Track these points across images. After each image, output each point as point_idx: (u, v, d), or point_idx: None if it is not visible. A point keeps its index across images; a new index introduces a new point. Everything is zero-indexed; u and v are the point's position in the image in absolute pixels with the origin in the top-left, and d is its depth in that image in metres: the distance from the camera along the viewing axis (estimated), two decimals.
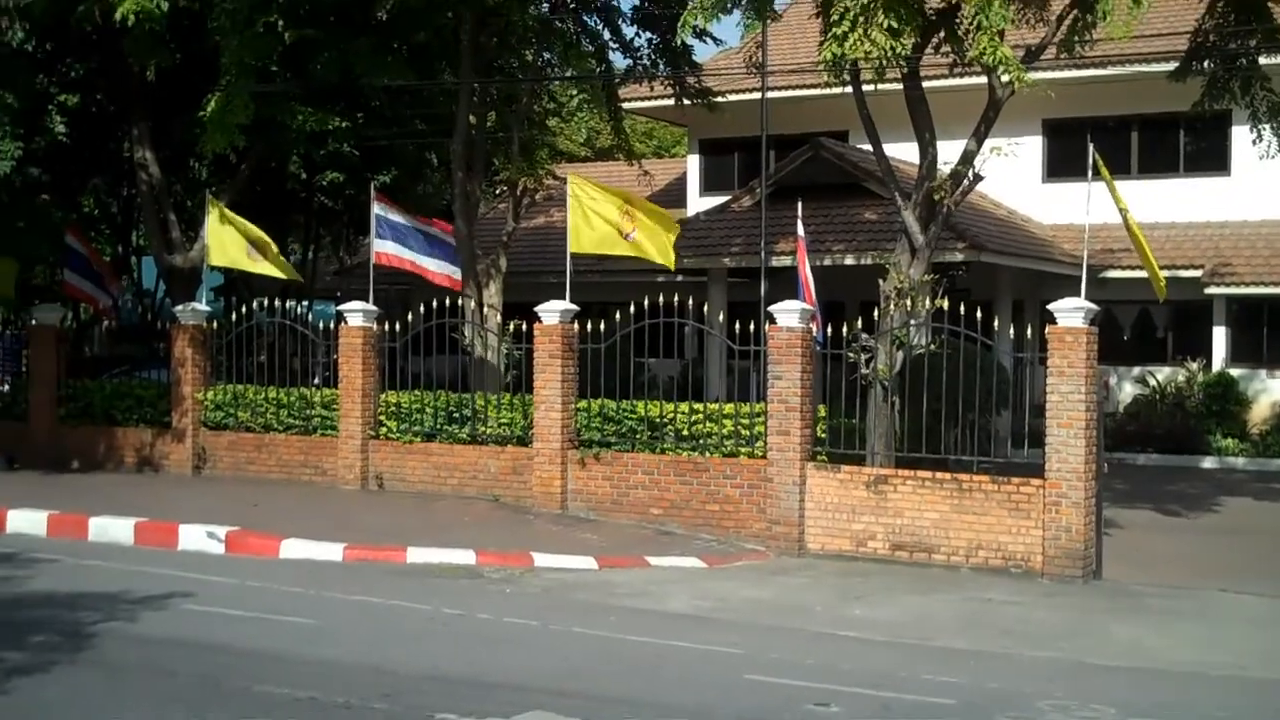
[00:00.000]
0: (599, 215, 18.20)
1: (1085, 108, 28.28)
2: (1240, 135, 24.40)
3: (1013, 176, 28.37)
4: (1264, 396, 26.75)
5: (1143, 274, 27.10)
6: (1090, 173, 16.14)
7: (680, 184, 33.82)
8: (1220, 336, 27.35)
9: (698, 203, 31.52)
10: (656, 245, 18.52)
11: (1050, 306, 15.11)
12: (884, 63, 15.85)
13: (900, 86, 17.63)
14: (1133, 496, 20.84)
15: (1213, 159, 28.29)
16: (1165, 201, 28.16)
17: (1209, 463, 25.54)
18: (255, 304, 20.77)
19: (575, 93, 24.29)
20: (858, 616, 12.79)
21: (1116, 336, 28.77)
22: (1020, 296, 27.73)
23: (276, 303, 20.41)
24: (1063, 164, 28.49)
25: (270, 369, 20.57)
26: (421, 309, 18.99)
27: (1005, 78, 16.34)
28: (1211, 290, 26.66)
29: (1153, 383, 27.58)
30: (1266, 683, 10.45)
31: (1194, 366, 27.09)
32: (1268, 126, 19.74)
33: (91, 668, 9.87)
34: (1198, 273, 26.73)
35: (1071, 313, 14.85)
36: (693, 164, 33.05)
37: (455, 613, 12.34)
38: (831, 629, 12.19)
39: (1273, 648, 11.73)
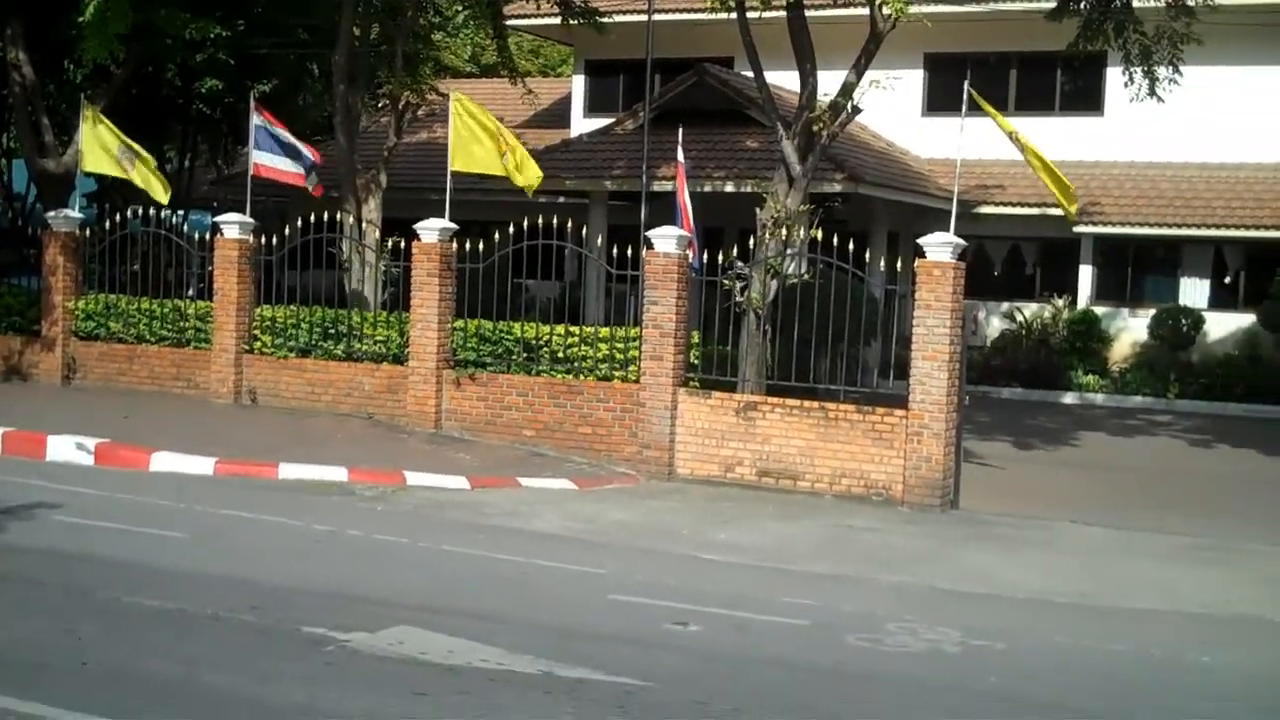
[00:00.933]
0: (479, 135, 18.17)
1: (967, 43, 28.72)
2: (1114, 77, 24.88)
3: (894, 109, 28.70)
4: (1125, 334, 27.55)
5: (1016, 210, 28.03)
6: (964, 108, 16.45)
7: (565, 104, 33.72)
8: (1086, 275, 28.10)
9: (582, 124, 31.49)
10: (525, 171, 18.54)
11: (919, 241, 15.46)
12: None
13: (785, 14, 17.78)
14: (994, 429, 21.48)
15: (1087, 99, 28.91)
16: (1040, 139, 27.95)
17: (1070, 398, 26.29)
18: (130, 212, 20.49)
19: (461, 7, 24.08)
20: (722, 540, 13.11)
21: (987, 272, 29.40)
22: (897, 229, 28.17)
23: (151, 212, 20.13)
24: (943, 98, 28.87)
25: (144, 279, 20.34)
26: (299, 223, 18.85)
27: (886, 10, 16.55)
28: (1080, 229, 27.29)
29: (1020, 318, 28.26)
30: (1106, 609, 10.92)
31: (1060, 303, 27.80)
32: (1139, 69, 20.18)
33: None
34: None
35: (940, 247, 15.21)
36: (578, 84, 32.98)
37: (326, 529, 12.46)
38: (696, 552, 12.49)
39: (1113, 576, 12.24)
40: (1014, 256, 29.56)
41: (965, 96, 16.45)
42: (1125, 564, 12.82)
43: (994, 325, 28.94)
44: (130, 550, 11.10)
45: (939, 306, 15.08)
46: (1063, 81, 29.23)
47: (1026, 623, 10.43)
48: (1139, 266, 28.13)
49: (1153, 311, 27.06)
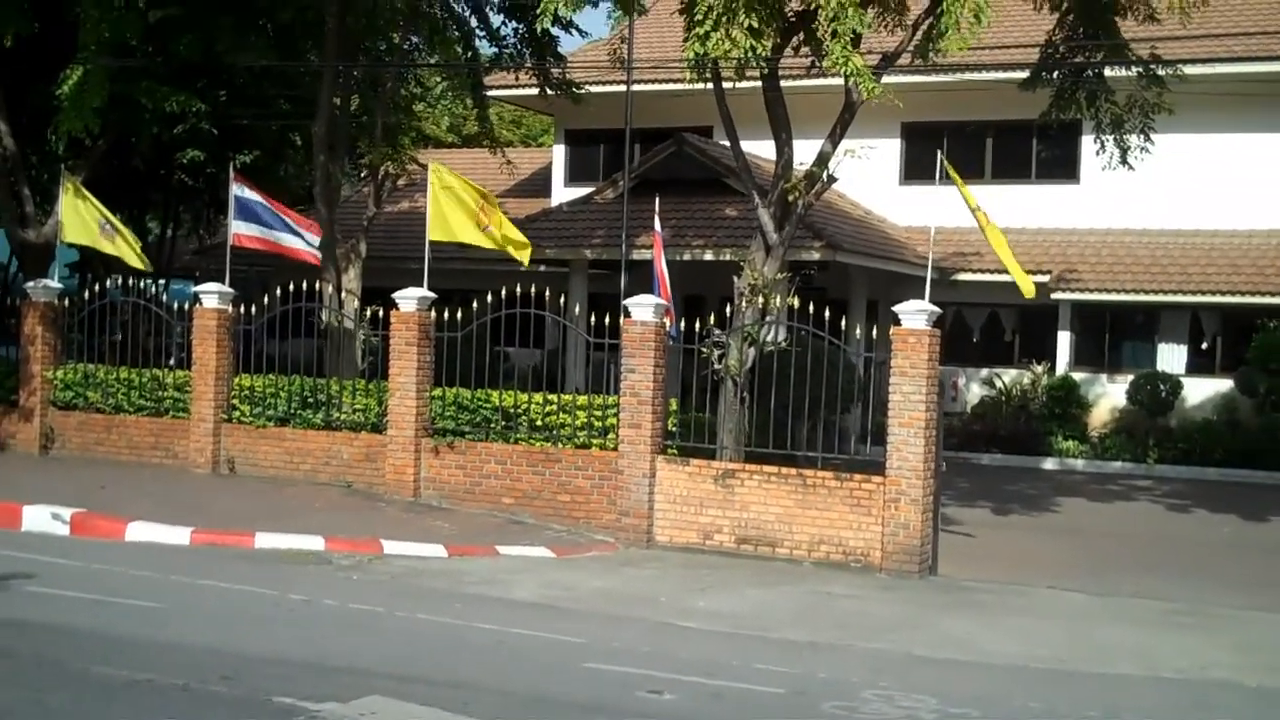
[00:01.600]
0: (458, 204, 18.27)
1: (943, 113, 28.99)
2: (1090, 145, 25.16)
3: (871, 178, 28.99)
4: (1104, 400, 27.65)
5: (994, 277, 28.11)
6: (939, 177, 16.61)
7: (546, 173, 33.96)
8: (1065, 341, 28.23)
9: (563, 193, 31.69)
10: (512, 242, 18.66)
11: (894, 309, 15.56)
12: (744, 62, 16.12)
13: (760, 85, 17.95)
14: (974, 495, 21.51)
15: (1063, 167, 29.19)
16: (1017, 207, 28.94)
17: (1050, 464, 26.35)
18: (110, 281, 20.48)
19: (440, 79, 24.31)
20: (700, 608, 13.08)
21: (966, 338, 29.59)
22: (875, 296, 28.30)
23: (132, 281, 20.16)
24: (920, 167, 29.11)
25: (125, 349, 20.35)
26: (278, 292, 18.90)
27: (859, 88, 16.71)
28: (1058, 295, 27.46)
29: (999, 384, 28.36)
30: (1082, 675, 10.91)
31: (1039, 369, 27.91)
32: (1110, 138, 20.41)
33: None
34: (1045, 278, 27.43)
35: (915, 314, 15.30)
36: (558, 154, 33.21)
37: (300, 598, 12.40)
38: (674, 619, 12.46)
39: (1091, 642, 12.23)
40: (993, 323, 29.70)
41: (939, 166, 16.59)
42: (1103, 629, 12.82)
43: (974, 391, 29.05)
44: (103, 620, 11.03)
45: (914, 373, 15.15)
46: (1039, 150, 29.49)
47: (1003, 690, 10.41)
48: (1117, 332, 28.27)
49: (1131, 377, 27.16)
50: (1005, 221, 28.24)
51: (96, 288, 20.39)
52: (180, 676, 9.24)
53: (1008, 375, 28.51)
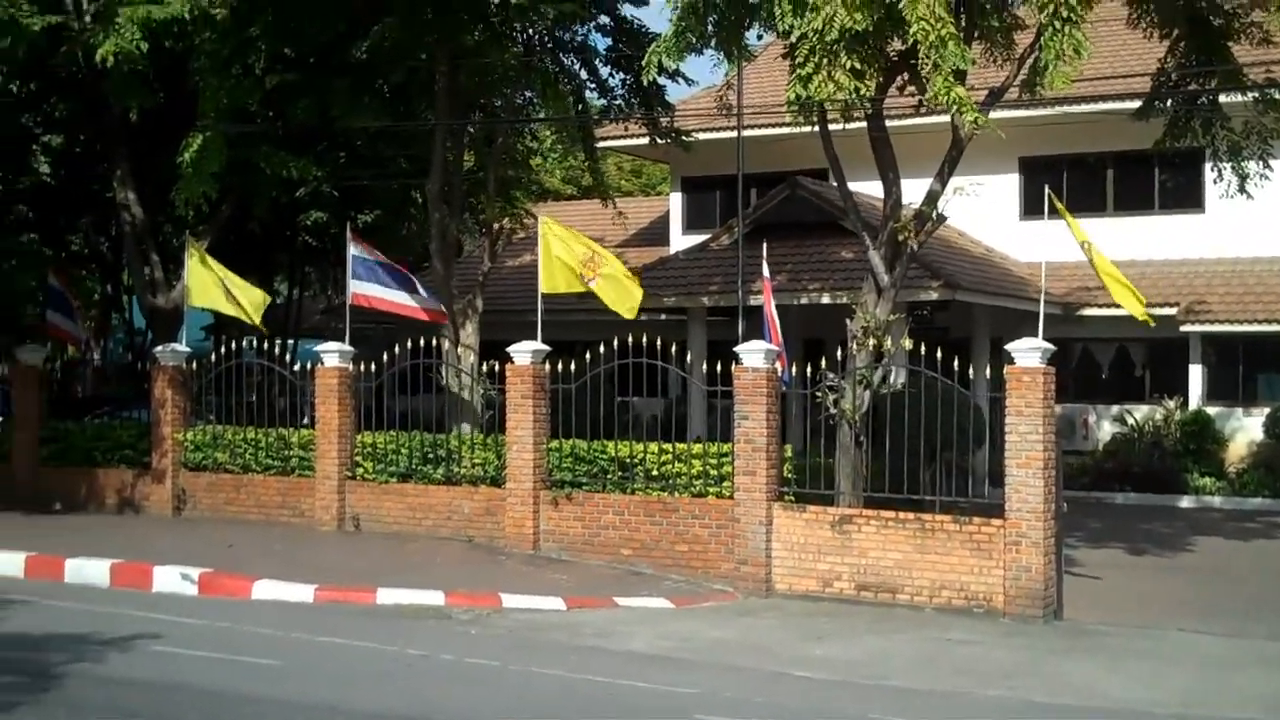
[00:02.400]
0: (566, 258, 18.44)
1: (1061, 145, 28.63)
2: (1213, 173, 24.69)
3: (991, 215, 28.77)
4: (1240, 435, 26.92)
5: (1121, 311, 27.55)
6: (1046, 212, 16.39)
7: (664, 221, 34.10)
8: (1196, 374, 27.56)
9: (680, 240, 31.79)
10: (619, 293, 18.78)
11: (1007, 347, 15.35)
12: (849, 103, 16.09)
13: (866, 126, 17.89)
14: (1105, 536, 21.06)
15: (1187, 196, 28.57)
16: (1141, 239, 28.46)
17: (1186, 502, 25.72)
18: (245, 343, 20.92)
19: (550, 133, 24.61)
20: (816, 656, 12.97)
21: (1095, 374, 29.07)
22: (999, 334, 27.82)
23: (255, 343, 20.60)
24: (1039, 201, 28.53)
25: (252, 409, 20.77)
26: (395, 349, 19.19)
27: (965, 121, 16.57)
28: (1187, 328, 26.86)
29: (1131, 421, 27.77)
30: None
31: (1171, 404, 27.27)
32: (1228, 165, 19.99)
33: (53, 707, 10.07)
34: (1173, 310, 26.91)
35: (1028, 353, 15.07)
36: (675, 202, 33.34)
37: (418, 653, 12.52)
38: (788, 669, 12.36)
39: (1218, 688, 11.91)
40: (1122, 358, 29.13)
41: (1046, 201, 16.38)
42: (1232, 674, 12.48)
43: (1105, 429, 28.47)
44: (222, 679, 11.24)
45: (1030, 412, 14.91)
46: (1161, 179, 28.93)
47: None
48: (1251, 364, 27.53)
49: (1268, 410, 26.40)
50: (1129, 253, 28.01)
51: (223, 350, 20.84)
52: None
53: (1139, 411, 27.90)
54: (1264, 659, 13.08)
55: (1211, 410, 27.07)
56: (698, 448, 17.31)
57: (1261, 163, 19.90)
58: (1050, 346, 15.19)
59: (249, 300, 20.74)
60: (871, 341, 17.30)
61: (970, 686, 11.71)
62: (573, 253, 18.40)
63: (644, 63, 17.24)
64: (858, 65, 15.56)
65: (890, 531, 15.57)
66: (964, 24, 17.19)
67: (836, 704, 10.89)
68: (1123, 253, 27.90)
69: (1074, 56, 14.64)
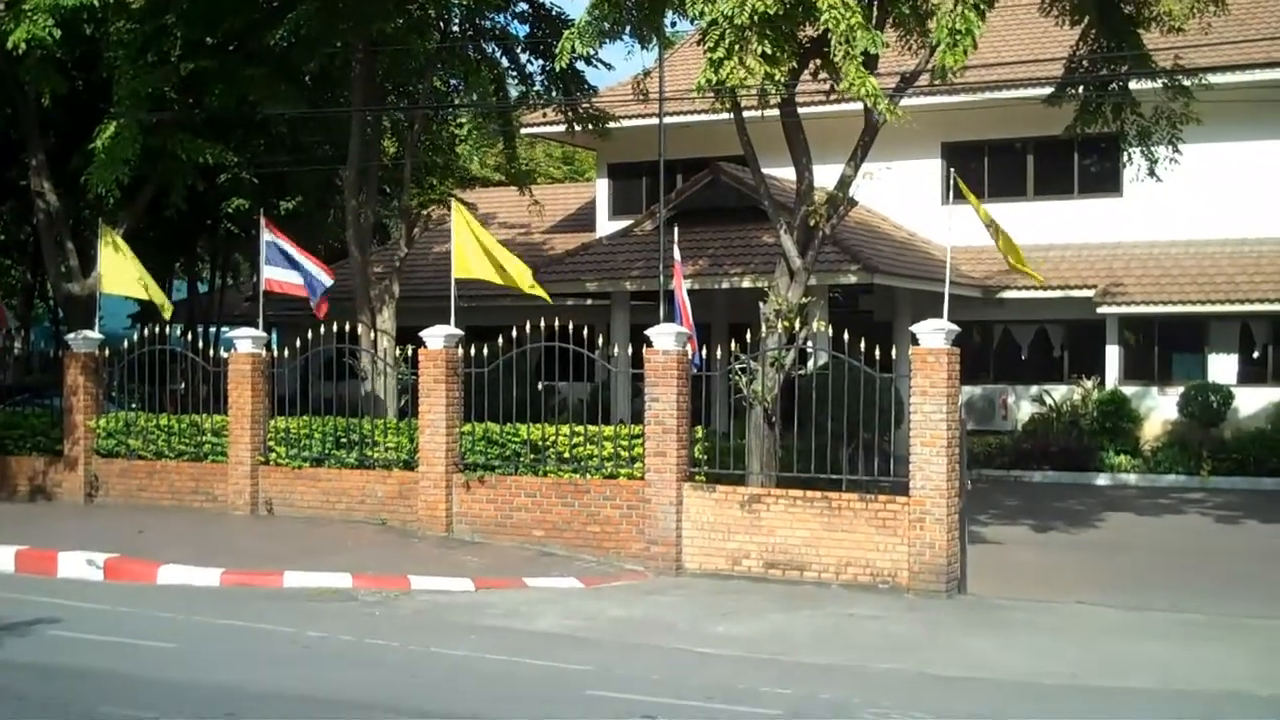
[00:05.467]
0: (480, 244, 18.46)
1: (982, 131, 28.92)
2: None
3: (914, 198, 28.99)
4: (1155, 414, 27.30)
5: (1041, 294, 27.87)
6: (950, 196, 16.56)
7: (591, 208, 34.12)
8: (1113, 355, 27.90)
9: (607, 226, 31.82)
10: (522, 282, 18.90)
11: (912, 329, 15.50)
12: (761, 89, 16.12)
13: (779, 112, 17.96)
14: (1019, 513, 21.33)
15: (1105, 181, 28.90)
16: (1060, 223, 28.81)
17: (1102, 479, 26.06)
18: (155, 330, 20.72)
19: (465, 120, 24.58)
20: (719, 633, 13.05)
21: (1014, 356, 29.38)
22: (922, 317, 28.03)
23: (154, 329, 20.41)
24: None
25: (171, 395, 20.64)
26: (309, 335, 19.13)
27: (877, 110, 16.66)
28: (1104, 310, 27.19)
29: (1049, 401, 28.10)
30: (1092, 689, 10.79)
31: (1089, 384, 27.61)
32: (1138, 149, 20.24)
33: None
34: (1091, 292, 27.28)
35: (933, 333, 15.23)
36: (601, 188, 33.37)
37: (318, 635, 12.51)
38: (689, 645, 12.44)
39: (1110, 657, 12.09)
40: (1041, 340, 29.44)
41: (951, 184, 16.54)
42: (1126, 644, 12.66)
43: (1024, 409, 28.80)
44: (118, 662, 11.20)
45: (934, 392, 15.06)
46: (1081, 164, 29.24)
47: (1007, 706, 10.32)
48: (1166, 344, 27.91)
49: (1182, 389, 26.79)
50: (1049, 237, 28.38)
51: (137, 337, 20.67)
52: (185, 715, 9.39)
53: (1058, 392, 28.24)
54: (1160, 631, 13.28)
55: (1128, 390, 27.44)
56: (609, 430, 17.35)
57: (1171, 147, 20.14)
58: (954, 327, 15.34)
59: (155, 289, 20.60)
60: (782, 324, 17.39)
61: (865, 660, 11.83)
62: (486, 239, 18.42)
63: (558, 48, 17.21)
64: (769, 50, 15.56)
65: (798, 510, 15.69)
66: (876, 11, 17.30)
67: (730, 679, 10.96)
68: (1042, 236, 28.33)
69: (966, 36, 14.74)
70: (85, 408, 20.62)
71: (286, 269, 19.88)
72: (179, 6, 21.03)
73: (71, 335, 21.24)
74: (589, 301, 28.37)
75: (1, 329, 25.55)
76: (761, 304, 17.81)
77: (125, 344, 20.94)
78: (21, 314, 34.63)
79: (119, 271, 20.99)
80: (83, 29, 21.45)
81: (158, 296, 20.64)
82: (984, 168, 29.80)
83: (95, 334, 21.07)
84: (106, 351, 21.02)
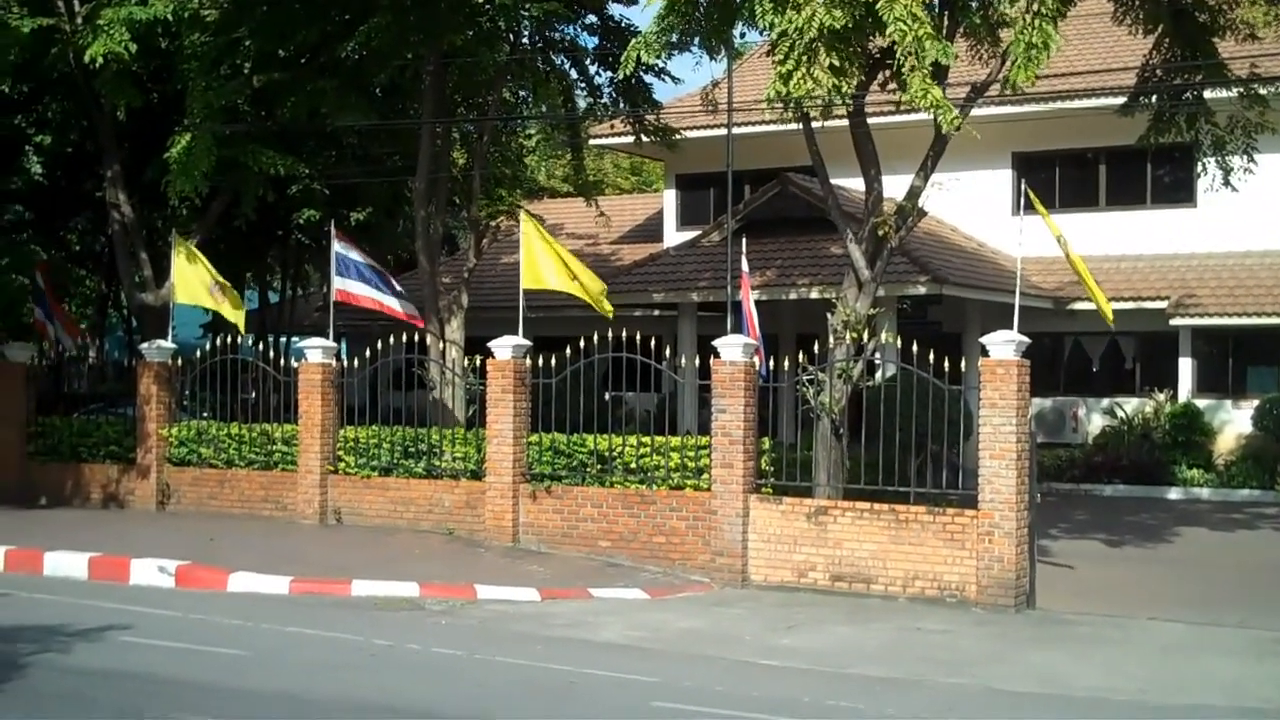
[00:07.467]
0: (549, 253, 18.53)
1: (1053, 141, 28.66)
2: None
3: (984, 209, 28.79)
4: (1229, 427, 26.91)
5: (1113, 305, 27.51)
6: (1022, 208, 16.42)
7: (659, 219, 34.14)
8: (1186, 367, 27.54)
9: (674, 237, 31.84)
10: (592, 294, 18.96)
11: (981, 340, 15.38)
12: (829, 101, 16.07)
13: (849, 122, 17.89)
14: (1089, 527, 21.11)
15: (1178, 190, 28.54)
16: (1132, 233, 28.49)
17: (1174, 493, 25.73)
18: (226, 340, 20.93)
19: (534, 132, 24.69)
20: (784, 646, 13.00)
21: (1085, 368, 29.09)
22: (991, 328, 27.80)
23: (229, 340, 20.63)
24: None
25: (242, 405, 20.85)
26: (379, 345, 19.28)
27: (942, 121, 16.55)
28: (1177, 321, 26.86)
29: (1121, 414, 27.78)
30: (1158, 708, 10.65)
31: (1161, 397, 27.27)
32: (1212, 159, 20.00)
33: (12, 698, 10.12)
34: (1163, 304, 26.95)
35: (1003, 345, 15.11)
36: (669, 199, 33.37)
37: (385, 643, 12.57)
38: (755, 658, 12.40)
39: (1179, 674, 11.93)
40: (1113, 352, 29.09)
41: (1023, 196, 16.41)
42: (1195, 661, 12.50)
43: (1095, 422, 28.49)
44: (188, 669, 11.31)
45: (1004, 404, 14.95)
46: (1153, 174, 28.92)
47: None
48: (1240, 357, 27.52)
49: (1256, 402, 26.39)
50: (1121, 248, 28.10)
51: (209, 347, 20.91)
52: None
53: (1129, 404, 27.92)
54: (1229, 647, 13.09)
55: (1201, 403, 27.07)
56: (675, 441, 17.36)
57: (1246, 156, 19.89)
58: (1025, 339, 15.22)
59: (230, 299, 20.84)
60: (850, 335, 17.31)
61: (932, 674, 11.74)
62: (555, 249, 18.50)
63: (623, 57, 17.22)
64: (837, 63, 15.49)
65: (865, 523, 15.61)
66: (947, 21, 17.22)
67: (795, 692, 10.91)
68: (1114, 247, 28.08)
69: (1042, 50, 14.63)
70: (158, 416, 20.88)
71: (356, 280, 20.03)
72: (252, 20, 21.28)
73: (145, 345, 21.53)
74: (656, 312, 28.41)
75: (75, 339, 25.86)
76: (829, 315, 17.73)
77: (197, 353, 21.20)
78: (96, 324, 35.11)
79: (191, 282, 21.24)
80: (157, 42, 21.79)
81: (235, 306, 20.86)
82: (1055, 178, 29.53)
83: (168, 343, 21.34)
84: (179, 361, 21.30)
